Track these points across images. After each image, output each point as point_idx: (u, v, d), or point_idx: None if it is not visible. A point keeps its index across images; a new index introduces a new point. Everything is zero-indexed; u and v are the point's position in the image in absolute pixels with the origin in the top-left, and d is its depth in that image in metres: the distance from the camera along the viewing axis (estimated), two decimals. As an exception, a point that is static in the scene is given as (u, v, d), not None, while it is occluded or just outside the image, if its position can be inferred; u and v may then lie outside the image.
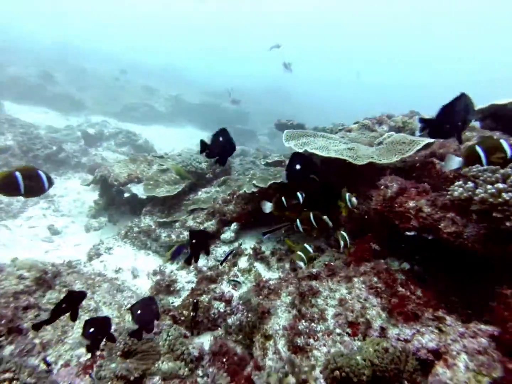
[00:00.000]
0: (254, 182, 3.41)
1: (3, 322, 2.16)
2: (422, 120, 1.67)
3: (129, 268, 4.04)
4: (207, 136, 17.56)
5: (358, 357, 1.54)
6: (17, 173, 1.71)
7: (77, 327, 2.44)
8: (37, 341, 2.25)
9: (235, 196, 3.99)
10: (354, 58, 44.49)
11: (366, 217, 2.40)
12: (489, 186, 1.48)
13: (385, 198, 2.18)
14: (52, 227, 5.80)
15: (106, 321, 1.81)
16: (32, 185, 1.77)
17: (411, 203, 2.01)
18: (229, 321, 2.87)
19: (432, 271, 2.02)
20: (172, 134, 18.22)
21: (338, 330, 1.87)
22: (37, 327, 1.80)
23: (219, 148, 2.00)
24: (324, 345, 1.85)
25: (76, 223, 6.26)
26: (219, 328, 2.91)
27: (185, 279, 3.71)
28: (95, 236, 5.65)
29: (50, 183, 1.84)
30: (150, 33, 40.34)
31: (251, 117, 23.27)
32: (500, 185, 1.48)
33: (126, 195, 6.30)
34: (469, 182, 1.68)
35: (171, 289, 3.52)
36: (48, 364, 2.09)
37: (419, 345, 1.55)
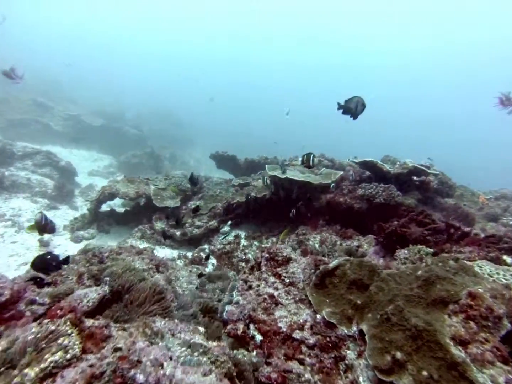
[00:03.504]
0: (252, 194, 5.93)
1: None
2: (338, 105, 3.31)
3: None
4: (113, 159, 18.37)
5: (339, 252, 4.37)
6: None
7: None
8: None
9: (230, 204, 6.35)
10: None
11: (320, 207, 5.38)
12: (369, 190, 4.65)
13: (329, 198, 5.20)
14: (42, 239, 6.51)
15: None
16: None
17: (341, 199, 5.09)
18: (250, 271, 5.25)
19: (351, 225, 5.11)
20: (71, 155, 17.67)
21: (324, 251, 4.66)
22: None
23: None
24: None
25: (58, 236, 7.02)
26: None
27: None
28: (91, 244, 6.70)
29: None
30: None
31: (149, 142, 24.16)
32: (371, 189, 4.68)
33: (105, 209, 7.56)
34: (361, 188, 4.85)
35: (202, 262, 5.55)
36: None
37: (353, 245, 4.51)
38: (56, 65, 30.12)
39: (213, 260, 5.78)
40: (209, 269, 5.56)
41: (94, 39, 47.85)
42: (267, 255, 3.17)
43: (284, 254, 3.14)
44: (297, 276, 2.96)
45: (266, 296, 2.87)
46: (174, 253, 6.09)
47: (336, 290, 2.69)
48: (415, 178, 5.57)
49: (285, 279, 3.00)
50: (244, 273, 3.30)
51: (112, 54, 48.98)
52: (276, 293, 2.89)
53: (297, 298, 2.82)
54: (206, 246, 6.08)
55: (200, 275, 3.93)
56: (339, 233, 4.85)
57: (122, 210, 7.67)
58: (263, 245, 5.75)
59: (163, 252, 6.08)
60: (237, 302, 3.04)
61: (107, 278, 3.07)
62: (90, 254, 3.50)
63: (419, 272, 2.47)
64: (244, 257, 5.49)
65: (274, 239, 5.90)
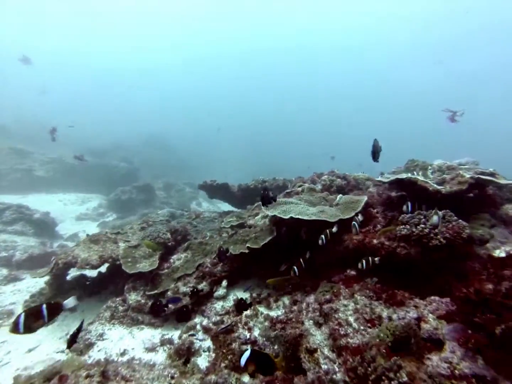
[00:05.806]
0: (248, 245, 4.37)
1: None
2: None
3: (134, 347, 4.17)
4: (103, 198, 17.04)
5: (381, 334, 2.75)
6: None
7: None
8: None
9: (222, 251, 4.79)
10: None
11: (346, 252, 3.78)
12: (419, 227, 3.06)
13: (357, 241, 3.61)
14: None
15: None
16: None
17: (375, 241, 3.50)
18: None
19: (390, 278, 3.49)
20: (57, 201, 16.46)
21: (362, 327, 3.05)
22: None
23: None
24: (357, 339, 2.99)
25: (5, 327, 5.48)
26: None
27: (199, 338, 4.18)
28: (53, 331, 5.17)
29: None
30: None
31: (141, 173, 23.03)
32: (423, 225, 3.09)
33: (71, 276, 6.08)
34: (403, 224, 3.26)
35: (192, 350, 3.96)
36: None
37: (410, 318, 2.90)
38: (42, 111, 29.39)
39: (207, 342, 4.18)
40: (201, 360, 3.96)
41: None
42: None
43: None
44: None
45: None
46: (156, 335, 4.50)
47: None
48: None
49: None
50: None
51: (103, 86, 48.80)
52: None
53: None
54: (197, 319, 4.50)
55: None
56: (380, 295, 3.23)
57: (94, 274, 6.16)
58: (271, 313, 4.14)
59: (141, 336, 4.50)
60: None
61: None
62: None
63: None
64: (248, 336, 3.89)
65: (286, 300, 4.30)
